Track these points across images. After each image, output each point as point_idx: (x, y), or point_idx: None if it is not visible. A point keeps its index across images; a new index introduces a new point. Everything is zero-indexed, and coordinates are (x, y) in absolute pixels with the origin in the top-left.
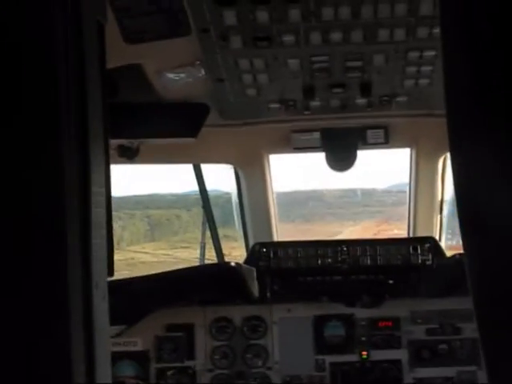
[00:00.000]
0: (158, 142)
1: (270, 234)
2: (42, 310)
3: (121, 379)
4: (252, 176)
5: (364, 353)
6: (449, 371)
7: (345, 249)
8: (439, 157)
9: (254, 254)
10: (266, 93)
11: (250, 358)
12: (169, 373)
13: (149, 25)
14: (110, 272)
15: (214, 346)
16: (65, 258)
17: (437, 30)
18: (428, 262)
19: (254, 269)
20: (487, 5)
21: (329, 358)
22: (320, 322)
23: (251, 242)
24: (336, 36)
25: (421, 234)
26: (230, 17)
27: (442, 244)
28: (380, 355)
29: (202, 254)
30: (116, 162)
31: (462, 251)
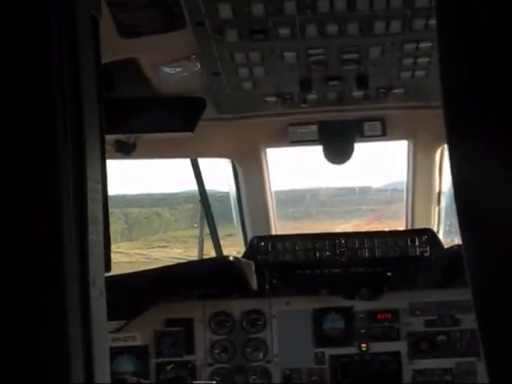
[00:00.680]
0: (155, 137)
1: (268, 228)
2: (38, 307)
3: (120, 375)
4: (249, 170)
5: (363, 345)
6: (448, 362)
7: (343, 241)
8: (436, 148)
9: (252, 248)
10: (263, 86)
11: (250, 352)
12: (168, 367)
13: (144, 19)
14: (107, 268)
15: (213, 340)
16: (61, 254)
17: (433, 22)
18: (426, 254)
19: (253, 262)
20: None
21: (328, 351)
22: (319, 315)
23: (249, 236)
24: (332, 28)
25: (419, 225)
26: (225, 10)
27: (440, 236)
28: (379, 347)
29: (200, 250)
30: (113, 158)
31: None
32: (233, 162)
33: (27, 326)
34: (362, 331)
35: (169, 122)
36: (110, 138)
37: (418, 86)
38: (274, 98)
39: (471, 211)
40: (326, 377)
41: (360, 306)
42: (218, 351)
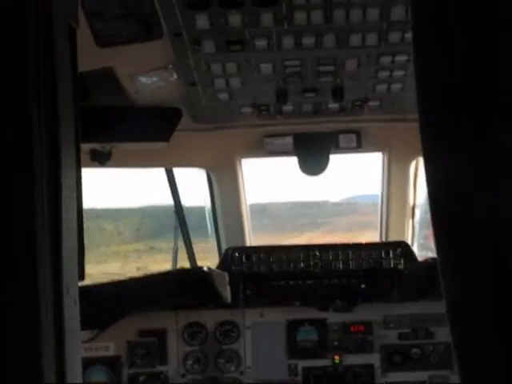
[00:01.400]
0: (131, 147)
1: (243, 239)
2: (11, 314)
3: None
4: (224, 180)
5: (336, 357)
6: (421, 375)
7: (317, 253)
8: (411, 161)
9: (226, 259)
10: (239, 97)
11: (223, 363)
12: (141, 378)
13: (121, 28)
14: (81, 276)
15: (186, 351)
16: (34, 262)
17: (409, 35)
18: (400, 267)
19: (226, 273)
20: (460, 10)
21: (301, 363)
22: (293, 327)
23: (224, 247)
24: (308, 40)
25: (393, 238)
26: (202, 21)
27: (415, 249)
28: (352, 360)
29: (175, 259)
30: (88, 166)
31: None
32: (208, 173)
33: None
34: (336, 343)
35: (144, 132)
36: (85, 146)
37: (394, 98)
38: (249, 109)
39: (446, 222)
40: None
41: (334, 317)
42: (190, 362)
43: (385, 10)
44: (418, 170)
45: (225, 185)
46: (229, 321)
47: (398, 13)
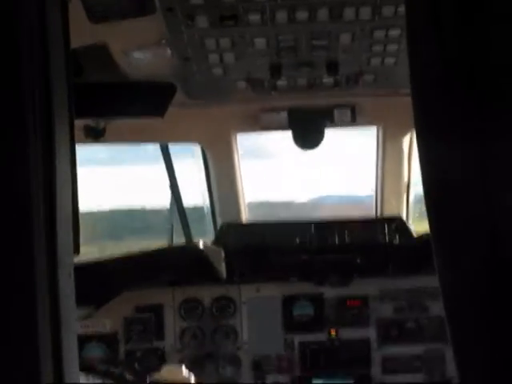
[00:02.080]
0: (125, 122)
1: (238, 214)
2: (6, 292)
3: (90, 361)
4: (219, 155)
5: (333, 331)
6: (416, 349)
7: (313, 229)
8: (405, 134)
9: (221, 235)
10: (233, 72)
11: (220, 339)
12: (138, 354)
13: (114, 4)
14: (76, 249)
15: (183, 326)
16: (30, 236)
17: (402, 9)
18: (395, 242)
19: (222, 249)
20: None
21: (298, 338)
22: (289, 302)
23: (219, 223)
24: (302, 15)
25: (388, 214)
26: None
27: (410, 224)
28: (349, 334)
29: (170, 236)
30: (82, 142)
31: None
32: (202, 148)
33: None
34: (332, 318)
35: (139, 107)
36: (79, 123)
37: (388, 73)
38: (244, 84)
39: (439, 200)
40: (296, 363)
41: (330, 292)
42: (187, 338)
43: None
44: (412, 145)
45: (220, 160)
46: (225, 296)
47: None
